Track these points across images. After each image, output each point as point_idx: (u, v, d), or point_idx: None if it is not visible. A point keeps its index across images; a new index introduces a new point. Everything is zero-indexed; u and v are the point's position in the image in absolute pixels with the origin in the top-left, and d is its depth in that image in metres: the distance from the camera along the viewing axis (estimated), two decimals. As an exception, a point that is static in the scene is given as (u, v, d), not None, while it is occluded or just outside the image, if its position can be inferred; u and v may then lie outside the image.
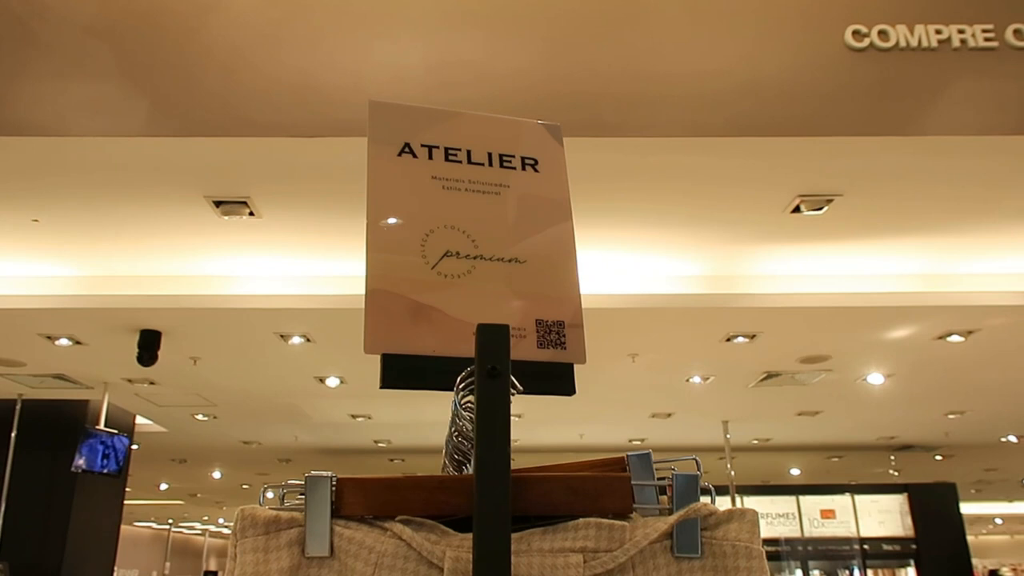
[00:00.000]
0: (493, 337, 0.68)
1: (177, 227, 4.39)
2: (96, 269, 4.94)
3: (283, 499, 0.76)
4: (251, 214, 4.17)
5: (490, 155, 0.95)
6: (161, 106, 3.42)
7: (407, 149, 0.92)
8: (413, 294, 0.82)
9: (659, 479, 0.74)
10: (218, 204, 4.06)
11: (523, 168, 0.95)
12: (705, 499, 0.72)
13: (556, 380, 0.83)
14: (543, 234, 0.91)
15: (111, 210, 4.18)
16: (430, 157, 0.92)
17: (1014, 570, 23.32)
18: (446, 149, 0.93)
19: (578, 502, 0.70)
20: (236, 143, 3.45)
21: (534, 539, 0.69)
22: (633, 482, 0.73)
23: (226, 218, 4.20)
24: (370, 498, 0.71)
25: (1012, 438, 10.39)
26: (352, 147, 3.27)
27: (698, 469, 0.75)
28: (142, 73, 3.41)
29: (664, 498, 0.74)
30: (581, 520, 0.70)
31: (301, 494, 0.72)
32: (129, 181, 3.86)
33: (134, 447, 8.49)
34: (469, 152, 0.94)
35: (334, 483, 0.71)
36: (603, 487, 0.72)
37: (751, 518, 0.71)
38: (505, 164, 0.94)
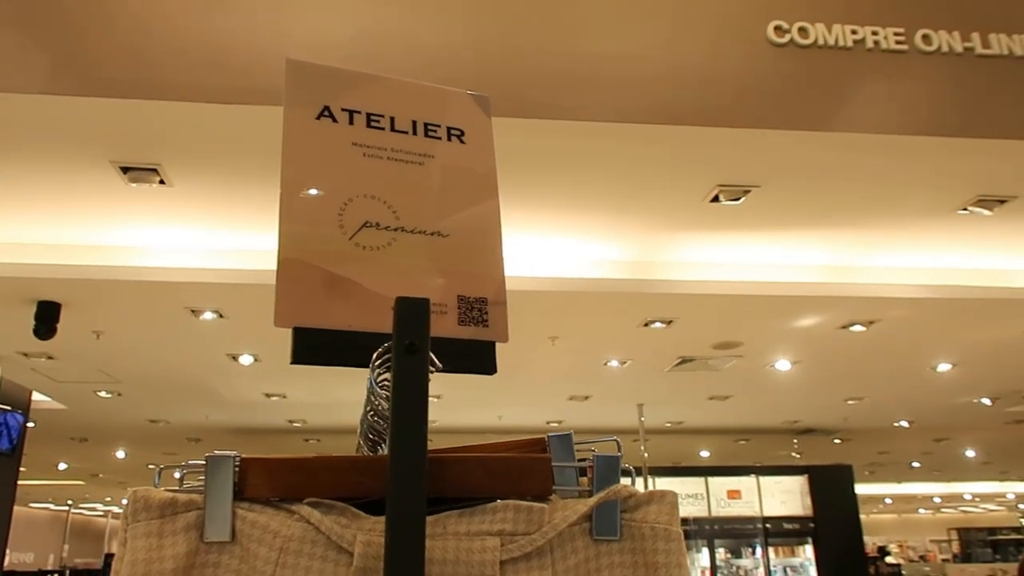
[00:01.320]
0: (412, 311, 0.65)
1: (81, 193, 4.14)
2: (-12, 235, 4.63)
3: (182, 480, 0.71)
4: (161, 182, 3.97)
5: (415, 123, 0.91)
6: (64, 62, 3.21)
7: (326, 112, 0.87)
8: (329, 265, 0.78)
9: (579, 460, 0.73)
10: (125, 170, 3.85)
11: (449, 139, 0.91)
12: (625, 481, 0.71)
13: (477, 358, 0.81)
14: (468, 208, 0.88)
15: (8, 172, 3.91)
16: (351, 122, 0.87)
17: (900, 546, 24.85)
18: (368, 115, 0.88)
19: (497, 484, 0.68)
20: (147, 106, 3.27)
21: (450, 522, 0.67)
22: (553, 463, 0.71)
23: (134, 185, 3.99)
24: (276, 479, 0.67)
25: (904, 423, 11.02)
26: (270, 116, 3.11)
27: (619, 451, 0.73)
28: (43, 26, 3.19)
29: (584, 480, 0.72)
30: (500, 502, 0.67)
31: (202, 476, 0.67)
32: (28, 142, 3.61)
33: (30, 425, 8.04)
34: (393, 119, 0.90)
35: (237, 463, 0.67)
36: (523, 468, 0.70)
37: (671, 500, 0.70)
38: (430, 133, 0.90)
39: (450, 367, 0.75)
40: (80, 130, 3.51)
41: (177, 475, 0.72)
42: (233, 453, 0.67)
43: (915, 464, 16.62)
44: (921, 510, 28.45)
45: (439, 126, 0.91)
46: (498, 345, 0.83)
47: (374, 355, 0.70)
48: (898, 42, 3.71)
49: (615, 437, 0.75)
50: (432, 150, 0.90)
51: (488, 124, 0.95)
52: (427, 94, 0.93)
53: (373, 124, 0.88)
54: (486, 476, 0.68)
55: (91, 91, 3.21)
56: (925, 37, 3.72)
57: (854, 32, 3.69)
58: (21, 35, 3.17)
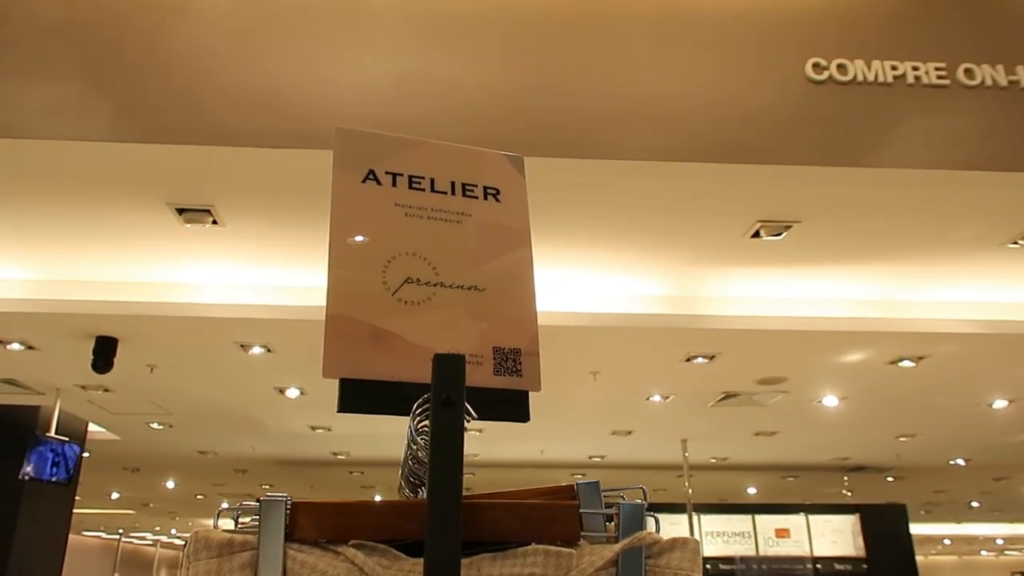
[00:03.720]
0: (449, 367, 0.70)
1: (138, 233, 4.33)
2: (53, 273, 4.85)
3: (237, 521, 0.77)
4: (214, 223, 4.13)
5: (453, 184, 0.97)
6: (125, 111, 3.39)
7: (371, 176, 0.93)
8: (373, 319, 0.84)
9: (607, 507, 0.77)
10: (181, 212, 4.02)
11: (485, 197, 0.97)
12: (651, 525, 0.75)
13: (511, 406, 0.85)
14: (502, 263, 0.93)
15: (70, 214, 4.11)
16: (394, 184, 0.94)
17: (961, 590, 23.82)
18: (410, 177, 0.95)
19: (527, 529, 0.72)
20: (201, 151, 3.42)
21: (484, 564, 0.71)
22: (581, 510, 0.75)
23: (188, 226, 4.16)
24: (323, 522, 0.72)
25: (960, 461, 10.66)
26: (318, 159, 3.26)
27: (644, 498, 0.77)
28: (106, 77, 3.38)
29: (611, 525, 0.76)
30: (530, 547, 0.72)
31: (256, 516, 0.73)
32: (90, 186, 3.80)
33: (85, 455, 8.29)
34: (433, 180, 0.96)
35: (288, 506, 0.72)
36: (552, 515, 0.74)
37: (692, 547, 0.74)
38: (468, 193, 0.97)
39: (485, 415, 0.80)
40: (138, 174, 3.69)
41: (232, 517, 0.78)
42: (284, 496, 0.73)
43: (974, 504, 16.00)
44: (983, 552, 27.29)
45: (476, 186, 0.97)
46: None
47: (414, 405, 0.75)
48: (939, 77, 3.69)
49: (642, 485, 0.79)
50: (469, 209, 0.96)
51: (522, 182, 1.01)
52: (465, 156, 1.00)
53: (415, 186, 0.94)
54: (518, 521, 0.73)
55: (149, 138, 3.37)
56: (968, 71, 3.70)
57: (894, 68, 3.68)
58: (85, 86, 3.36)
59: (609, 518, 0.76)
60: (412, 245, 0.90)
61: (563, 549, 0.72)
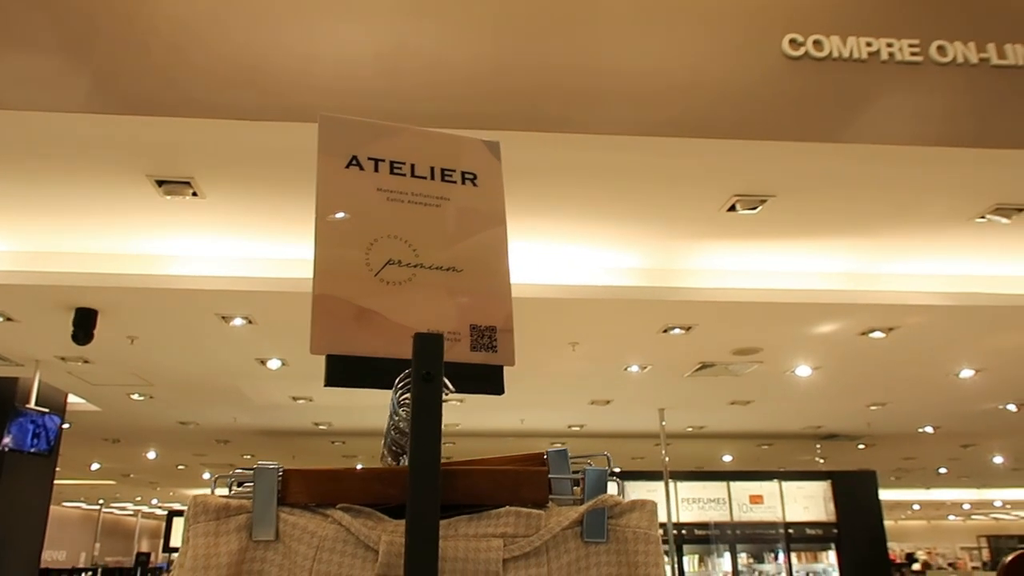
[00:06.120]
0: (429, 344, 0.76)
1: (117, 205, 4.32)
2: (32, 245, 4.83)
3: (231, 488, 0.83)
4: (194, 195, 4.13)
5: (432, 169, 1.02)
6: (103, 82, 3.37)
7: (354, 162, 0.98)
8: (357, 299, 0.89)
9: (574, 472, 0.84)
10: (160, 184, 4.02)
11: (463, 182, 1.02)
12: (613, 489, 0.82)
13: (487, 381, 0.91)
14: (479, 245, 0.99)
15: (49, 186, 4.09)
16: (376, 170, 0.98)
17: (929, 553, 24.53)
18: (391, 162, 1.00)
19: (500, 492, 0.79)
20: (180, 123, 3.41)
21: (460, 525, 0.78)
22: (550, 476, 0.82)
23: (168, 197, 4.15)
24: (313, 488, 0.78)
25: (929, 429, 10.95)
26: (298, 132, 3.28)
27: (608, 465, 0.84)
28: (84, 47, 3.35)
29: (577, 489, 0.83)
30: (503, 509, 0.79)
31: (249, 483, 0.79)
32: (68, 157, 3.79)
33: (65, 426, 8.30)
34: (413, 166, 1.01)
35: (280, 474, 0.78)
36: (522, 480, 0.81)
37: (650, 508, 0.81)
38: (446, 178, 1.02)
39: (462, 389, 0.86)
40: (117, 146, 3.68)
41: (228, 484, 0.83)
42: (276, 465, 0.79)
43: (942, 470, 16.45)
44: (951, 517, 28.09)
45: (454, 171, 1.02)
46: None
47: (396, 380, 0.81)
48: (913, 54, 3.75)
49: (606, 452, 0.86)
50: (448, 193, 1.01)
51: (498, 167, 1.06)
52: (443, 142, 1.04)
53: (396, 171, 0.99)
54: (491, 486, 0.79)
55: (128, 110, 3.36)
56: (940, 48, 3.77)
57: (869, 44, 3.74)
58: (63, 58, 3.34)
59: (576, 483, 0.83)
60: (393, 228, 0.95)
61: (533, 511, 0.79)
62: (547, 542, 0.78)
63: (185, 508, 0.81)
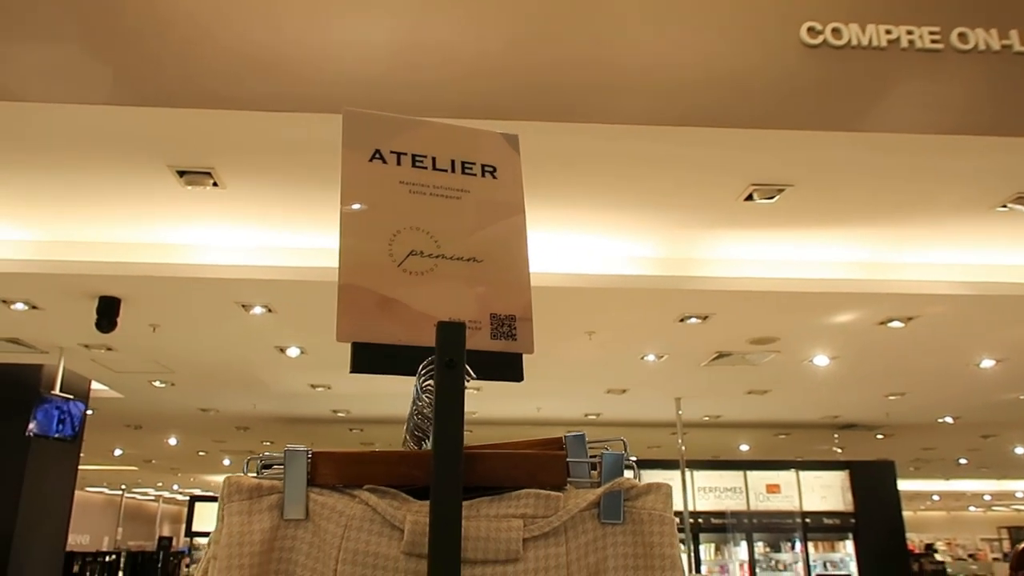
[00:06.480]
0: (451, 333, 0.79)
1: (139, 195, 4.38)
2: (56, 234, 4.91)
3: (259, 470, 0.86)
4: (215, 184, 4.18)
5: (453, 162, 1.04)
6: (124, 75, 3.42)
7: (377, 155, 1.01)
8: (381, 289, 0.92)
9: (591, 457, 0.86)
10: (182, 174, 4.07)
11: (483, 175, 1.05)
12: (629, 474, 0.85)
13: (506, 368, 0.94)
14: (499, 237, 1.01)
15: (73, 176, 4.16)
16: (398, 163, 1.01)
17: (949, 544, 24.41)
18: (413, 156, 1.02)
19: (520, 475, 0.82)
20: (201, 114, 3.46)
21: (482, 506, 0.81)
22: (568, 459, 0.85)
23: (189, 188, 4.21)
24: (341, 469, 0.82)
25: (948, 419, 10.88)
26: (317, 122, 3.31)
27: (625, 450, 0.87)
28: (105, 39, 3.40)
29: (595, 473, 0.86)
30: (523, 491, 0.82)
31: (280, 464, 0.82)
32: (92, 148, 3.85)
33: (89, 412, 8.44)
34: (434, 159, 1.03)
35: (310, 456, 0.82)
36: (542, 463, 0.84)
37: (665, 491, 0.84)
38: (467, 171, 1.04)
39: (483, 376, 0.89)
40: (139, 137, 3.74)
41: (258, 468, 0.87)
42: (305, 448, 0.82)
43: (962, 461, 16.34)
44: (971, 508, 27.90)
45: (474, 164, 1.05)
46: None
47: (419, 367, 0.84)
48: (933, 41, 3.72)
49: (622, 438, 0.88)
50: (468, 185, 1.03)
51: (517, 160, 1.08)
52: (464, 136, 1.07)
53: (418, 164, 1.02)
54: (511, 469, 0.82)
55: (150, 101, 3.41)
56: (961, 35, 3.73)
57: (888, 32, 3.71)
58: (85, 50, 3.39)
59: (593, 466, 0.86)
60: (416, 220, 0.98)
61: (552, 493, 0.82)
62: (565, 523, 0.81)
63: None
